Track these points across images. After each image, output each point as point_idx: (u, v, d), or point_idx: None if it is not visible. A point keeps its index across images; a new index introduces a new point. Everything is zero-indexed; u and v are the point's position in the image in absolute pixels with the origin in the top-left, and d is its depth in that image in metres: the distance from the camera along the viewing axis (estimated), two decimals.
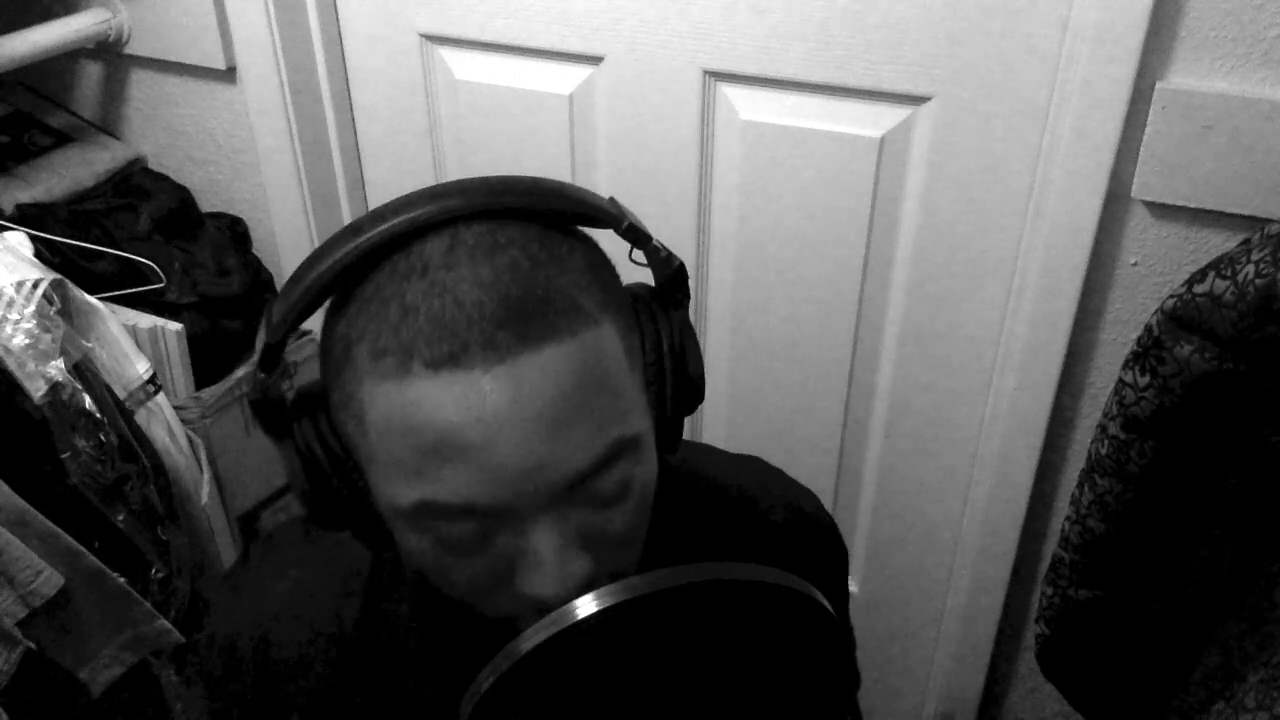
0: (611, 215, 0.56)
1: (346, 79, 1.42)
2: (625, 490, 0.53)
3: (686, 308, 0.60)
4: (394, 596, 0.67)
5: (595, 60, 1.25)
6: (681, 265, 0.59)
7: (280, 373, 0.55)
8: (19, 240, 1.21)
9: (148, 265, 1.36)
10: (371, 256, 0.51)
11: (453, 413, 0.48)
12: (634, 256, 0.59)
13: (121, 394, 1.22)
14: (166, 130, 1.52)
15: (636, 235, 0.57)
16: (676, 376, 0.58)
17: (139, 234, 1.41)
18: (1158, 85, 0.97)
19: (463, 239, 0.50)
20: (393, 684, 0.67)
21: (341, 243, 0.51)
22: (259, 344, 0.54)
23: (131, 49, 1.44)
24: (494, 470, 0.48)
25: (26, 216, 1.36)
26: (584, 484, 0.51)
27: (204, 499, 1.32)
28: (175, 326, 1.31)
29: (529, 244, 0.51)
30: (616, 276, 0.56)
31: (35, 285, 1.12)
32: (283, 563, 0.70)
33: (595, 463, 0.50)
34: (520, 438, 0.48)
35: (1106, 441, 0.88)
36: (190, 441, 1.32)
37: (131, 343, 1.26)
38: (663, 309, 0.58)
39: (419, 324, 0.48)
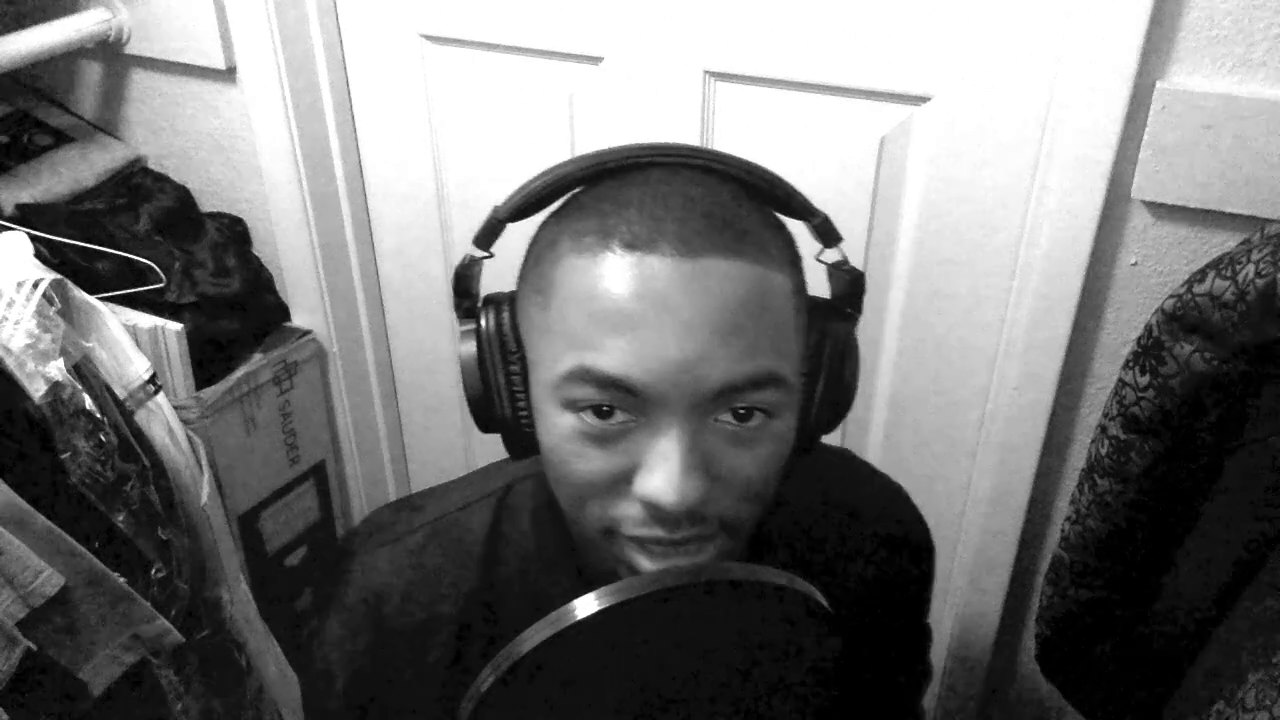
0: (810, 208, 0.61)
1: (346, 79, 1.42)
2: (759, 434, 0.56)
3: (855, 322, 0.63)
4: (510, 573, 0.69)
5: (595, 60, 1.25)
6: (861, 277, 0.63)
7: (487, 255, 0.61)
8: (19, 240, 1.21)
9: (148, 265, 1.36)
10: (596, 176, 0.58)
11: (633, 289, 0.52)
12: (821, 258, 0.62)
13: (121, 394, 1.22)
14: (166, 130, 1.52)
15: (829, 232, 0.61)
16: (830, 382, 0.61)
17: (139, 234, 1.41)
18: (1158, 85, 0.97)
19: (683, 172, 0.57)
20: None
21: (572, 161, 0.58)
22: (483, 224, 0.60)
23: (131, 49, 1.44)
24: (653, 352, 0.52)
25: (26, 216, 1.36)
26: (727, 399, 0.53)
27: (204, 499, 1.32)
28: (175, 326, 1.31)
29: (739, 193, 0.58)
30: (801, 261, 0.60)
31: (35, 285, 1.12)
32: (392, 534, 0.72)
33: (744, 380, 0.53)
34: (686, 329, 0.52)
35: (1106, 441, 0.88)
36: (190, 441, 1.32)
37: (131, 343, 1.26)
38: (834, 315, 0.61)
39: (626, 214, 0.54)
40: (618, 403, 0.53)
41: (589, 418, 0.54)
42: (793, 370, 0.57)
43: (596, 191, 0.58)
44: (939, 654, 1.43)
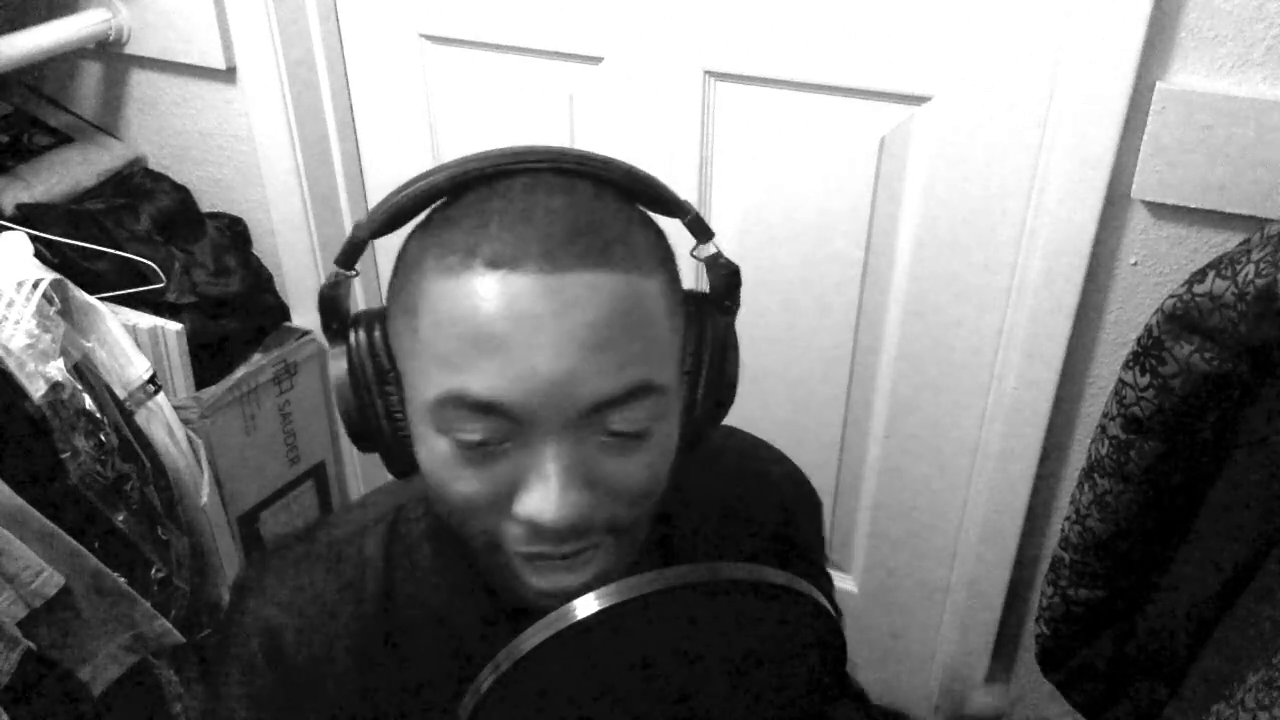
0: (681, 205, 0.60)
1: (346, 79, 1.42)
2: (642, 437, 0.55)
3: (734, 315, 0.62)
4: (408, 598, 0.68)
5: (595, 60, 1.25)
6: (736, 271, 0.62)
7: (352, 275, 0.60)
8: (19, 240, 1.21)
9: (148, 265, 1.36)
10: (460, 186, 0.56)
11: (500, 309, 0.51)
12: (695, 253, 0.62)
13: (121, 394, 1.22)
14: (166, 130, 1.52)
15: (701, 228, 0.60)
16: (711, 377, 0.60)
17: (139, 234, 1.41)
18: (1158, 85, 0.97)
19: (544, 179, 0.56)
20: (411, 676, 0.67)
21: (435, 172, 0.56)
22: (345, 243, 0.59)
23: (131, 49, 1.44)
24: (525, 371, 0.51)
25: (26, 216, 1.36)
26: (603, 414, 0.53)
27: (204, 499, 1.32)
28: (175, 326, 1.31)
29: (603, 195, 0.56)
30: (674, 257, 0.59)
31: (35, 285, 1.12)
32: (283, 566, 0.70)
33: (620, 392, 0.52)
34: (556, 346, 0.51)
35: (1106, 441, 0.88)
36: (190, 441, 1.32)
37: (131, 343, 1.26)
38: (712, 311, 0.60)
39: (488, 230, 0.52)
40: (493, 424, 0.52)
41: (465, 439, 0.53)
42: (671, 374, 0.56)
43: (460, 205, 0.56)
44: (939, 654, 1.43)
